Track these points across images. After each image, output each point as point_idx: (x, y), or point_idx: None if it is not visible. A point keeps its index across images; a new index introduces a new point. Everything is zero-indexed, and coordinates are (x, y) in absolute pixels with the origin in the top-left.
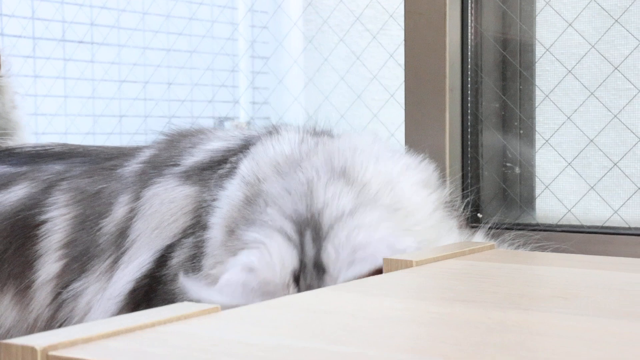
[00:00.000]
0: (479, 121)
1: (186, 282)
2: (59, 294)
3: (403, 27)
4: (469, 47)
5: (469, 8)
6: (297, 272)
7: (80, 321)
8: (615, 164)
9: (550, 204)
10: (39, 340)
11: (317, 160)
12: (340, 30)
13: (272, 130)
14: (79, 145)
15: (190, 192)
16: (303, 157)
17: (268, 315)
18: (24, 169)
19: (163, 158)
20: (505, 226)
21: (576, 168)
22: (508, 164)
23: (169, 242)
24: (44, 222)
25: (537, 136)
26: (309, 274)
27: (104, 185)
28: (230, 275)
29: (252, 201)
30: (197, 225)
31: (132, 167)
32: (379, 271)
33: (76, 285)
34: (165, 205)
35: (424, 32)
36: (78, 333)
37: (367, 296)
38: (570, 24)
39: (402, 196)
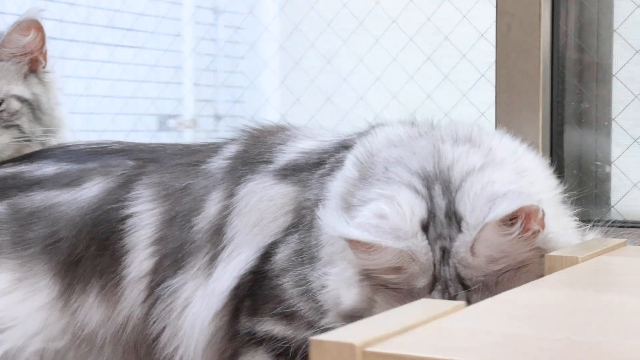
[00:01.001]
0: (565, 120)
1: (324, 214)
2: (153, 290)
3: (495, 27)
4: (559, 47)
5: (560, 9)
6: (425, 222)
7: (178, 317)
8: None
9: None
10: (354, 337)
11: (439, 131)
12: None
13: (374, 126)
14: (138, 143)
15: (289, 192)
16: (421, 134)
17: (513, 310)
18: (89, 165)
19: (253, 154)
20: (609, 224)
21: None
22: (598, 163)
23: (272, 240)
24: (128, 216)
25: (625, 135)
26: (439, 223)
27: (191, 181)
28: (363, 219)
29: (366, 176)
30: (299, 223)
31: (217, 163)
32: (520, 214)
33: (172, 282)
34: (263, 203)
35: (517, 33)
36: (375, 329)
37: (571, 289)
38: None
39: (527, 167)
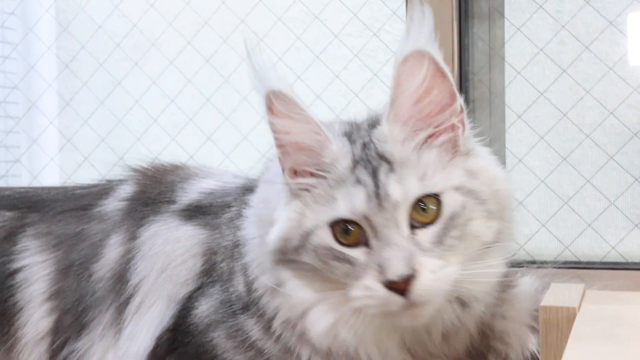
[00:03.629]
0: None
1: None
2: (56, 353)
3: None
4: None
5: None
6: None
7: None
8: (612, 203)
9: (546, 241)
10: None
11: None
12: None
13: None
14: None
15: (196, 234)
16: None
17: None
18: None
19: (153, 194)
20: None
21: (573, 206)
22: None
23: (186, 291)
24: (16, 270)
25: (532, 176)
26: (356, 132)
27: (84, 227)
28: None
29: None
30: (212, 271)
31: (113, 205)
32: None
33: (78, 345)
34: (169, 245)
35: None
36: None
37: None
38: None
39: None
